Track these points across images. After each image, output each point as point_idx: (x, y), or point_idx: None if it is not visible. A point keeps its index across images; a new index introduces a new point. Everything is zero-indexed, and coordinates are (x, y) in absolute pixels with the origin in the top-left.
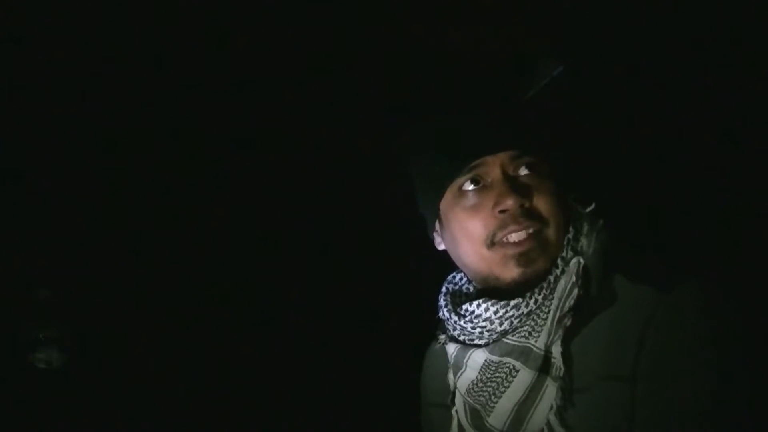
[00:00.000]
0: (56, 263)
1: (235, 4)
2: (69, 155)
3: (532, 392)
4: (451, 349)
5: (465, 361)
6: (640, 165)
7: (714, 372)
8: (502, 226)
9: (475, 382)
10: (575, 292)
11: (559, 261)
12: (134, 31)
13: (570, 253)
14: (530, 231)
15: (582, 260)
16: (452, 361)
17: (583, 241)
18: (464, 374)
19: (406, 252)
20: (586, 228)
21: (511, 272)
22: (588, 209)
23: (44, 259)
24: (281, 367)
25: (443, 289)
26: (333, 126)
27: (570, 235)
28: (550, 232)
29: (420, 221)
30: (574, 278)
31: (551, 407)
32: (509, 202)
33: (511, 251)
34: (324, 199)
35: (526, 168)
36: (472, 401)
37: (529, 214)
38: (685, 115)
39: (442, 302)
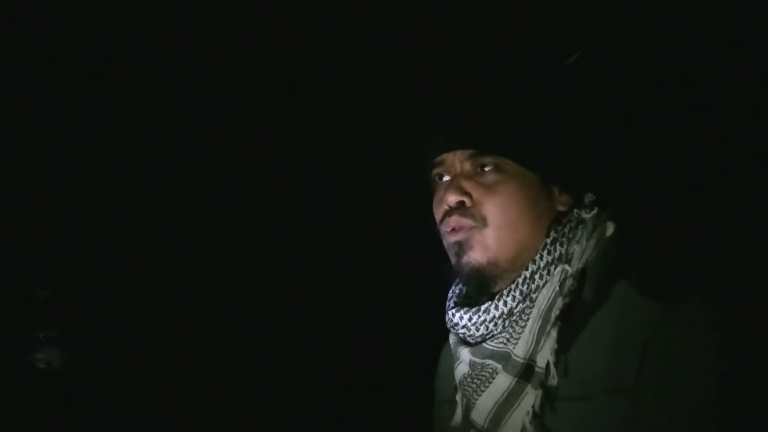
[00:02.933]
0: (56, 263)
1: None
2: (69, 155)
3: (511, 396)
4: (452, 339)
5: (459, 354)
6: (657, 169)
7: (717, 388)
8: (444, 218)
9: (465, 375)
10: (559, 301)
11: (530, 265)
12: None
13: (547, 258)
14: (463, 226)
15: (569, 268)
16: (452, 351)
17: (575, 248)
18: (459, 366)
19: (427, 249)
20: (580, 234)
21: (453, 261)
22: (591, 214)
23: (44, 259)
24: (283, 367)
25: (452, 289)
26: (338, 125)
27: (549, 239)
28: (490, 232)
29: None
30: (558, 287)
31: (527, 413)
32: (447, 198)
33: (447, 241)
34: (336, 194)
35: (487, 167)
36: (462, 393)
37: (467, 211)
38: (704, 119)
39: (448, 303)
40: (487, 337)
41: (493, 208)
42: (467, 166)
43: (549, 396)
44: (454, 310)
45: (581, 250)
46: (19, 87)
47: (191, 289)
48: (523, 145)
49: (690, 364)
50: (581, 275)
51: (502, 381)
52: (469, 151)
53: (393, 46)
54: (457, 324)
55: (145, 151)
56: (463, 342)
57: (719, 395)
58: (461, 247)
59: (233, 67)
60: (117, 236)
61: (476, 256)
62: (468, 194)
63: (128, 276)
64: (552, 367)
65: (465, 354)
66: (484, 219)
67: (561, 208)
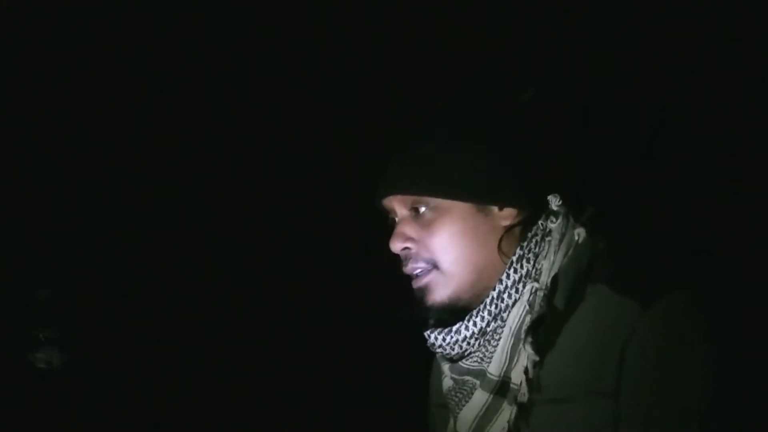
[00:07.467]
0: (56, 263)
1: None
2: (69, 155)
3: (489, 411)
4: (437, 354)
5: (443, 368)
6: (636, 169)
7: (699, 385)
8: (402, 263)
9: (449, 388)
10: (528, 318)
11: (497, 285)
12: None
13: (514, 276)
14: (418, 271)
15: (537, 285)
16: (439, 364)
17: (543, 264)
18: (445, 379)
19: None
20: (547, 248)
21: (421, 303)
22: (557, 223)
23: (44, 259)
24: (283, 367)
25: None
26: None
27: (515, 257)
28: (442, 271)
29: None
30: (527, 306)
31: (503, 428)
32: (392, 246)
33: (413, 285)
34: (340, 193)
35: (420, 208)
36: (448, 404)
37: (416, 256)
38: (684, 118)
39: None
40: (465, 354)
41: (436, 247)
42: (405, 210)
43: (525, 411)
44: (429, 331)
45: (549, 265)
46: (20, 87)
47: (191, 289)
48: (439, 180)
49: (670, 362)
50: (553, 285)
51: (480, 397)
52: (400, 196)
53: None
54: (433, 344)
55: (144, 152)
56: (445, 358)
57: (700, 392)
58: (423, 291)
59: (230, 67)
60: (117, 236)
61: (437, 296)
62: (411, 238)
63: (128, 276)
64: (524, 383)
65: (446, 370)
66: (432, 260)
67: (505, 223)
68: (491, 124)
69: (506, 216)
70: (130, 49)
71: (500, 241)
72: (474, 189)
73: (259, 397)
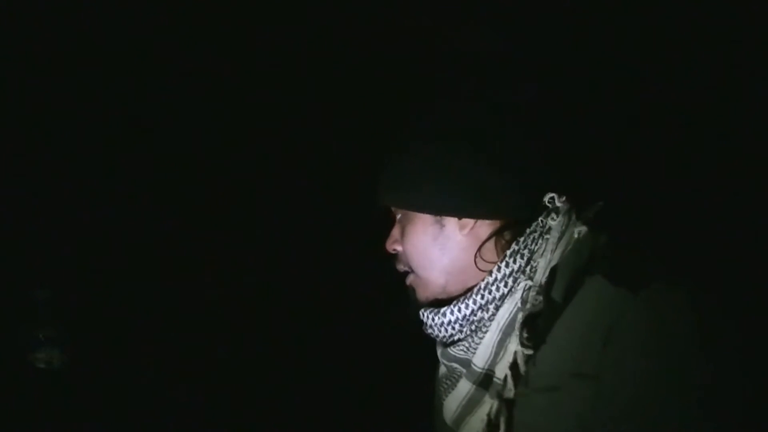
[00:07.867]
0: (56, 263)
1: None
2: (69, 155)
3: (471, 402)
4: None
5: (438, 353)
6: (639, 167)
7: (677, 369)
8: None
9: (442, 374)
10: (520, 315)
11: (487, 276)
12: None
13: (505, 270)
14: (404, 270)
15: (531, 284)
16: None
17: (540, 262)
18: (440, 365)
19: None
20: (544, 246)
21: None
22: (557, 221)
23: (44, 259)
24: (285, 367)
25: None
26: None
27: (509, 251)
28: (416, 270)
29: None
30: (519, 303)
31: (482, 420)
32: (385, 247)
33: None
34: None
35: (398, 215)
36: (438, 390)
37: (400, 257)
38: (686, 116)
39: None
40: (455, 340)
41: (407, 253)
42: (395, 214)
43: (509, 404)
44: (423, 310)
45: (545, 264)
46: (19, 86)
47: (192, 288)
48: (396, 190)
49: (650, 345)
50: (551, 278)
51: (463, 386)
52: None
53: None
54: (425, 324)
55: (144, 150)
56: (438, 342)
57: (679, 376)
58: (412, 287)
59: (228, 65)
60: (117, 236)
61: (420, 296)
62: (398, 241)
63: (129, 276)
64: (510, 380)
65: (439, 354)
66: (408, 265)
67: (464, 232)
68: (466, 131)
69: (465, 225)
70: (129, 49)
71: (480, 248)
72: (422, 200)
73: (260, 396)
